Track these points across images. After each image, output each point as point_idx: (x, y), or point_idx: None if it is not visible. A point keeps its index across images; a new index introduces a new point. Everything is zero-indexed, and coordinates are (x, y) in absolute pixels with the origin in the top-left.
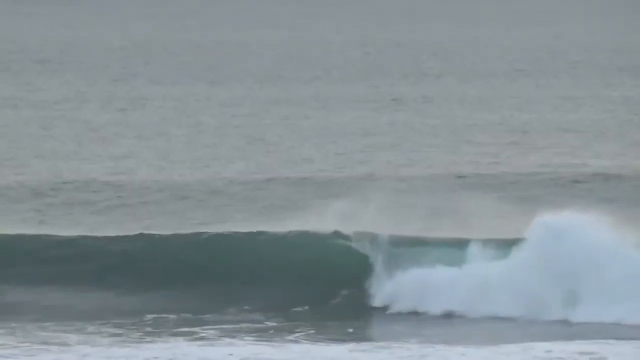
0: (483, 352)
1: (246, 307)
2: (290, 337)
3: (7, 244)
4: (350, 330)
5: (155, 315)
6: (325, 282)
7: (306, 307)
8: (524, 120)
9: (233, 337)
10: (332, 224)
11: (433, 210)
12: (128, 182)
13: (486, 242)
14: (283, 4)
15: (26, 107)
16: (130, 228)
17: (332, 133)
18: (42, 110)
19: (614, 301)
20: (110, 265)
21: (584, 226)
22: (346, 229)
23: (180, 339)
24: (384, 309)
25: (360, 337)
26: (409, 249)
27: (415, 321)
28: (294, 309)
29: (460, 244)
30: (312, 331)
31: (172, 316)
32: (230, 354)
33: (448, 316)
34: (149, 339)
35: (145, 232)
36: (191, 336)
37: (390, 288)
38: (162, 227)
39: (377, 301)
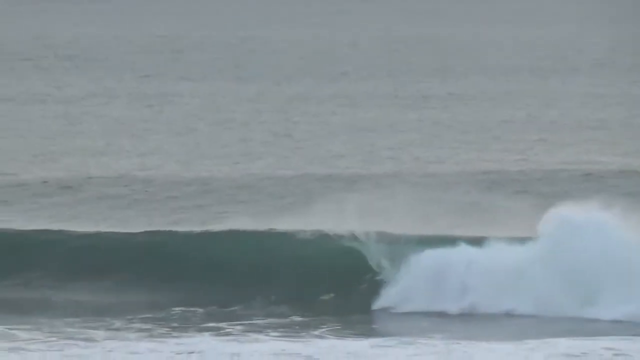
0: (507, 348)
1: (272, 302)
2: (316, 332)
3: (35, 240)
4: (375, 326)
5: (181, 310)
6: (350, 278)
7: (331, 303)
8: (552, 117)
9: (259, 332)
10: (357, 220)
11: (458, 206)
12: (156, 177)
13: (506, 239)
14: (310, 1)
15: (55, 103)
16: (158, 223)
17: (360, 129)
18: (71, 106)
19: (633, 297)
20: (137, 260)
21: (601, 221)
22: (371, 226)
23: (206, 334)
24: (407, 305)
25: (384, 332)
26: (430, 246)
27: (437, 317)
28: (319, 304)
29: (482, 241)
30: (338, 326)
31: (198, 310)
32: (256, 350)
33: (468, 313)
34: (175, 333)
35: (173, 227)
36: (217, 331)
37: (411, 284)
38: (190, 222)
39: (400, 297)
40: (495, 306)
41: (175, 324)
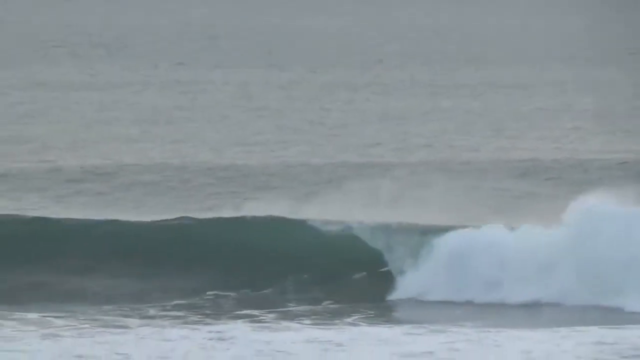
0: (537, 336)
1: (304, 288)
2: (348, 320)
3: (70, 227)
4: (405, 313)
5: (214, 296)
6: (380, 265)
7: (362, 290)
8: (586, 105)
9: (291, 319)
10: (389, 209)
11: (491, 195)
12: (190, 164)
13: (534, 228)
14: None
15: (89, 90)
16: (192, 209)
17: (393, 117)
18: (105, 94)
19: None
20: (171, 246)
21: (626, 210)
22: (404, 214)
23: (239, 321)
24: (436, 294)
25: (414, 320)
26: (459, 235)
27: (465, 305)
28: (351, 291)
29: (511, 231)
30: (371, 313)
31: (231, 295)
32: (288, 338)
33: (497, 302)
34: (208, 320)
35: (207, 214)
36: (249, 318)
37: (439, 272)
38: (224, 208)
39: (428, 285)
40: (522, 295)
41: (208, 311)
